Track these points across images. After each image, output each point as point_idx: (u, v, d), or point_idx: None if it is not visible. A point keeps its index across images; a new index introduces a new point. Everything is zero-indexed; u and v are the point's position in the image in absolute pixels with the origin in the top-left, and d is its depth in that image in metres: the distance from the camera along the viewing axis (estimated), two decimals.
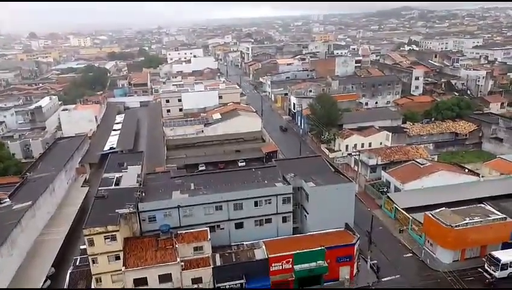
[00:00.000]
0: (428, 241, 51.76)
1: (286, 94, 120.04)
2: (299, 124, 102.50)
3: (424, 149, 74.60)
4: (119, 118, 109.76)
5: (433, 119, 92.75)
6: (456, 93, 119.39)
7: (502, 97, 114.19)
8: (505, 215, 49.83)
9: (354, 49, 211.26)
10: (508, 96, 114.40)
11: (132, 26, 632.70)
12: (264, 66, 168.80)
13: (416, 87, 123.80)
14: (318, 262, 44.78)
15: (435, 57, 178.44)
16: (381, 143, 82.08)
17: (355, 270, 47.68)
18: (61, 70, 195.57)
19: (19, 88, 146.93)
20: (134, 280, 40.73)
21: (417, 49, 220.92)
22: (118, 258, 41.71)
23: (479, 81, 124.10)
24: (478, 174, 64.63)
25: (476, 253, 50.24)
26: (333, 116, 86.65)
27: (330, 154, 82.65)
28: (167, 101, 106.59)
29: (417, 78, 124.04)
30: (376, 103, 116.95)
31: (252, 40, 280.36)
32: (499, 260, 45.92)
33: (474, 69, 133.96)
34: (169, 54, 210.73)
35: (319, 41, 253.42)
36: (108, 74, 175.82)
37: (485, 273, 47.01)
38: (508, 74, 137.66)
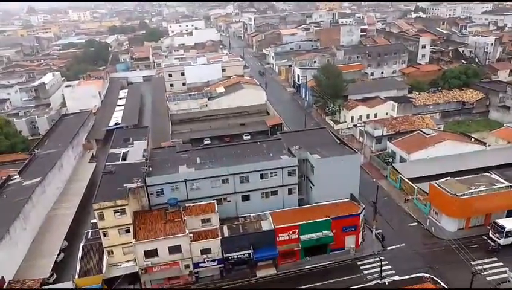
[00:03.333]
0: (433, 211, 52.30)
1: (290, 66, 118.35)
2: (303, 96, 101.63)
3: (430, 119, 74.00)
4: (123, 93, 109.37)
5: (439, 88, 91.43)
6: (463, 61, 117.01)
7: (510, 64, 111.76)
8: (510, 184, 49.96)
9: (360, 17, 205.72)
10: None
11: None
12: (267, 37, 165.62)
13: (423, 56, 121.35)
14: (324, 232, 45.62)
15: (443, 24, 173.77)
16: (386, 114, 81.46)
17: (360, 240, 48.57)
18: (62, 45, 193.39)
19: (21, 65, 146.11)
20: (145, 251, 41.88)
21: (424, 16, 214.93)
22: (128, 231, 42.71)
23: (487, 48, 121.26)
24: (484, 143, 64.30)
25: (480, 221, 50.79)
26: (338, 88, 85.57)
27: (335, 126, 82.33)
28: (170, 75, 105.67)
29: (424, 47, 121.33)
30: (382, 72, 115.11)
31: (255, 10, 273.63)
32: (503, 228, 46.42)
33: (482, 36, 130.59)
34: (171, 27, 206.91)
35: (323, 10, 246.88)
36: (110, 49, 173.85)
37: (489, 241, 47.69)
38: None
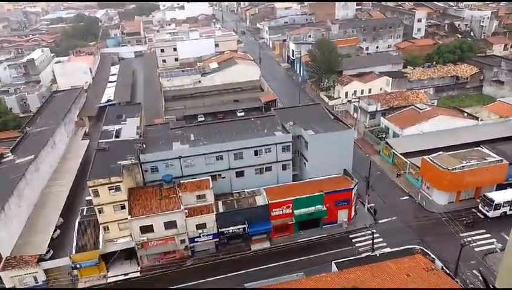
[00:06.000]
0: (425, 185, 53.13)
1: (284, 40, 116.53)
2: (298, 71, 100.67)
3: (424, 94, 73.97)
4: (114, 69, 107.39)
5: (434, 63, 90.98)
6: (459, 36, 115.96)
7: (506, 38, 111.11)
8: (501, 158, 50.68)
9: None
10: None
11: None
12: (261, 10, 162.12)
13: (419, 30, 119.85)
14: (317, 206, 46.34)
15: None
16: (381, 89, 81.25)
17: (353, 213, 49.46)
18: (51, 20, 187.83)
19: (9, 40, 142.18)
20: (141, 227, 42.35)
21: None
22: (123, 207, 43.01)
23: (483, 22, 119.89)
24: (477, 118, 64.71)
25: (470, 195, 51.81)
26: (333, 63, 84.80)
27: (330, 101, 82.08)
28: (162, 51, 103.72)
29: (419, 20, 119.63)
30: (377, 47, 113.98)
31: None
32: (492, 201, 47.47)
33: (478, 10, 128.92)
34: (162, 0, 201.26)
35: None
36: (100, 23, 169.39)
37: (478, 213, 48.86)
38: None
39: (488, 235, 45.38)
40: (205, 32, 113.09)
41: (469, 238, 39.64)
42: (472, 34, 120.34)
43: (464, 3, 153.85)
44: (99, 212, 42.88)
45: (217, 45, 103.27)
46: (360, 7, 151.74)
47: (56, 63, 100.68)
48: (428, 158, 51.28)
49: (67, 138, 67.96)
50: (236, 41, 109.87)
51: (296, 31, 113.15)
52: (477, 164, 49.56)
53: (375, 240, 44.38)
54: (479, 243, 42.80)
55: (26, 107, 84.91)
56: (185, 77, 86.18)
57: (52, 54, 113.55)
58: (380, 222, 49.23)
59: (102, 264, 43.33)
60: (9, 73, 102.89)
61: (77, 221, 46.18)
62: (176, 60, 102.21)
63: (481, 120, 64.07)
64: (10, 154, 55.30)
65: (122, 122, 54.34)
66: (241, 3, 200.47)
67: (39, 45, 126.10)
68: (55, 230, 48.02)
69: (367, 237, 45.68)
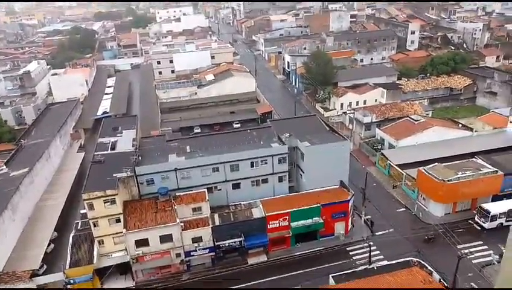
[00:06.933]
0: (421, 196, 53.18)
1: (280, 52, 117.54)
2: (293, 83, 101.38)
3: (418, 105, 74.60)
4: (111, 81, 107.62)
5: (428, 74, 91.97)
6: (452, 47, 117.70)
7: (498, 50, 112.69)
8: (496, 169, 50.91)
9: (350, 3, 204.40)
10: (504, 49, 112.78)
11: None
12: (256, 23, 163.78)
13: (412, 42, 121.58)
14: (314, 219, 46.14)
15: (432, 9, 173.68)
16: (376, 100, 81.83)
17: (350, 226, 49.27)
18: (47, 32, 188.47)
19: (5, 52, 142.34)
20: (136, 241, 41.88)
21: (413, 1, 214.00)
22: (118, 221, 42.58)
23: (475, 34, 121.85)
24: (471, 129, 65.21)
25: (467, 206, 51.87)
26: (328, 75, 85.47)
27: (325, 113, 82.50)
28: (158, 63, 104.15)
29: (413, 33, 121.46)
30: (371, 59, 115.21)
31: None
32: (488, 212, 47.52)
33: (471, 22, 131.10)
34: (158, 13, 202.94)
35: None
36: (96, 36, 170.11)
37: (475, 225, 48.85)
38: (506, 25, 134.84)
39: (485, 246, 45.31)
40: (201, 45, 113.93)
41: (466, 250, 39.50)
42: (465, 45, 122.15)
43: (457, 15, 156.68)
44: (94, 226, 42.42)
45: (213, 57, 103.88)
46: (354, 19, 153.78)
47: (52, 75, 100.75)
48: (424, 169, 51.44)
49: (62, 151, 67.61)
50: (233, 54, 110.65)
51: (291, 43, 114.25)
52: (472, 175, 49.75)
53: (372, 253, 44.14)
54: (476, 255, 42.67)
55: (22, 120, 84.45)
56: (181, 88, 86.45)
57: (49, 66, 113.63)
58: (377, 234, 49.06)
59: (96, 279, 42.67)
60: (5, 85, 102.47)
61: (71, 235, 45.61)
62: (172, 72, 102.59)
63: (475, 131, 64.56)
64: (4, 167, 54.81)
65: (118, 135, 54.16)
66: (237, 15, 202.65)
67: (35, 57, 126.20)
68: (49, 244, 47.31)
69: (364, 250, 45.44)
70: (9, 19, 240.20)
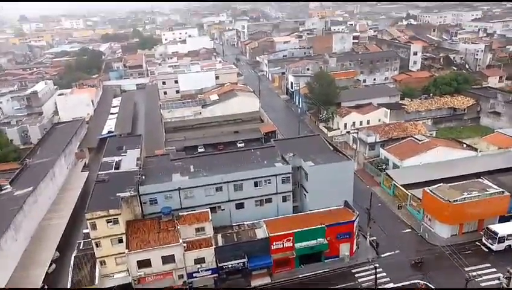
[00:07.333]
0: (426, 217, 52.51)
1: (283, 73, 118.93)
2: (297, 103, 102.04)
3: (422, 125, 74.63)
4: (116, 101, 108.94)
5: (431, 94, 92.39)
6: (454, 68, 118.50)
7: (500, 71, 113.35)
8: (502, 189, 50.37)
9: (352, 24, 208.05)
10: (506, 70, 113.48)
11: (123, 5, 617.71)
12: (260, 44, 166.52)
13: (415, 63, 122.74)
14: (318, 240, 45.57)
15: (433, 31, 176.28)
16: (379, 120, 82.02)
17: (355, 247, 48.55)
18: (55, 53, 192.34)
19: (13, 73, 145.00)
20: (138, 261, 41.45)
21: (415, 23, 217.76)
22: (121, 241, 42.27)
23: (477, 54, 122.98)
24: (476, 149, 64.93)
25: (473, 227, 51.08)
26: (331, 95, 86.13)
27: (329, 133, 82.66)
28: (164, 83, 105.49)
29: (415, 54, 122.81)
30: (374, 79, 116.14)
31: (248, 18, 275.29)
32: (496, 233, 46.74)
33: (472, 43, 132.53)
34: (164, 35, 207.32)
35: (316, 17, 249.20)
36: (103, 57, 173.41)
37: (482, 247, 47.98)
38: (507, 46, 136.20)
39: (494, 269, 44.33)
40: (206, 65, 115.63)
41: (474, 273, 38.73)
42: (467, 66, 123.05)
43: (458, 36, 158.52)
44: (97, 246, 42.09)
45: (217, 78, 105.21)
46: (356, 41, 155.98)
47: (59, 95, 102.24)
48: (429, 190, 50.98)
49: (67, 170, 67.85)
50: (237, 74, 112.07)
51: (294, 64, 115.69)
52: (478, 196, 49.20)
53: (378, 275, 43.29)
54: (484, 277, 41.79)
55: (27, 139, 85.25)
56: (185, 108, 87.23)
57: (56, 87, 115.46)
58: (382, 255, 48.25)
59: None
60: (12, 105, 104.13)
61: (73, 255, 45.21)
62: (177, 92, 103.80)
63: (480, 151, 64.26)
64: (9, 186, 54.98)
65: (122, 154, 54.41)
66: (241, 37, 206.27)
67: (43, 78, 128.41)
68: (50, 264, 46.92)
69: (370, 272, 44.58)
70: (18, 40, 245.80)
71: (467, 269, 41.88)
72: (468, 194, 49.35)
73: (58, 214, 55.31)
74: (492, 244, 47.01)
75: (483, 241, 48.19)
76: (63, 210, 56.11)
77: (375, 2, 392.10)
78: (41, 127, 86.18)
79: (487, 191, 50.26)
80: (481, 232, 49.55)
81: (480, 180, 54.21)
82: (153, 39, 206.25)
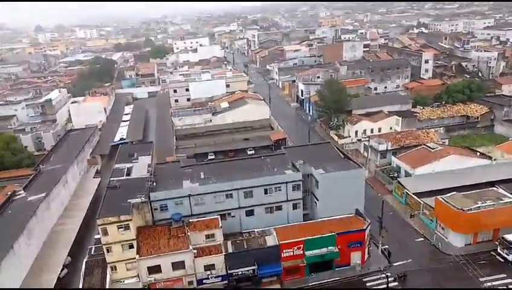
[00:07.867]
0: (439, 226, 51.62)
1: (294, 81, 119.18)
2: (307, 110, 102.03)
3: (434, 133, 73.79)
4: (128, 109, 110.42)
5: (443, 102, 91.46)
6: (467, 76, 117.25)
7: None
8: None
9: (362, 33, 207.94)
10: None
11: (136, 15, 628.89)
12: (270, 53, 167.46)
13: (426, 71, 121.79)
14: (329, 248, 45.10)
15: (445, 39, 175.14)
16: (391, 128, 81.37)
17: (366, 255, 47.90)
18: (69, 62, 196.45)
19: (28, 81, 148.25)
20: (148, 267, 41.56)
21: (426, 31, 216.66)
22: (131, 247, 42.51)
23: (490, 62, 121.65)
24: (490, 158, 63.84)
25: (488, 236, 49.99)
26: (342, 102, 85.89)
27: (339, 140, 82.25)
28: (175, 91, 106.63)
29: (427, 62, 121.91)
30: (385, 87, 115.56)
31: (258, 27, 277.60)
32: (511, 243, 45.65)
33: (485, 51, 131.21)
34: (175, 44, 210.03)
35: (326, 26, 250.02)
36: (116, 65, 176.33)
37: (497, 257, 46.89)
38: None
39: (510, 280, 43.25)
40: (217, 74, 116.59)
41: (489, 283, 37.90)
42: (480, 74, 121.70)
43: (471, 44, 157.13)
44: (108, 251, 42.38)
45: (228, 86, 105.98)
46: (367, 49, 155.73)
47: (72, 103, 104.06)
48: (442, 198, 50.19)
49: (79, 176, 68.73)
50: (247, 82, 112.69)
51: (305, 72, 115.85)
52: (493, 205, 48.26)
53: (390, 284, 42.60)
54: (500, 288, 40.76)
55: (41, 146, 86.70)
56: (196, 116, 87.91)
57: (69, 95, 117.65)
58: (394, 264, 47.46)
59: None
60: (27, 112, 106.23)
61: (85, 260, 45.55)
62: (188, 100, 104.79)
63: (495, 160, 63.16)
64: (22, 191, 55.86)
65: (133, 161, 54.95)
66: (251, 46, 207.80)
67: (57, 86, 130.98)
68: (62, 269, 47.33)
69: (381, 281, 43.90)
70: (33, 50, 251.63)
71: (481, 279, 41.00)
72: (483, 203, 48.44)
73: (70, 219, 55.93)
74: (508, 255, 45.88)
75: (499, 251, 47.09)
76: (75, 216, 56.73)
77: (385, 10, 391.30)
78: (55, 134, 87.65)
79: (502, 200, 49.31)
80: (496, 242, 48.47)
81: (495, 189, 53.23)
82: (165, 48, 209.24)
